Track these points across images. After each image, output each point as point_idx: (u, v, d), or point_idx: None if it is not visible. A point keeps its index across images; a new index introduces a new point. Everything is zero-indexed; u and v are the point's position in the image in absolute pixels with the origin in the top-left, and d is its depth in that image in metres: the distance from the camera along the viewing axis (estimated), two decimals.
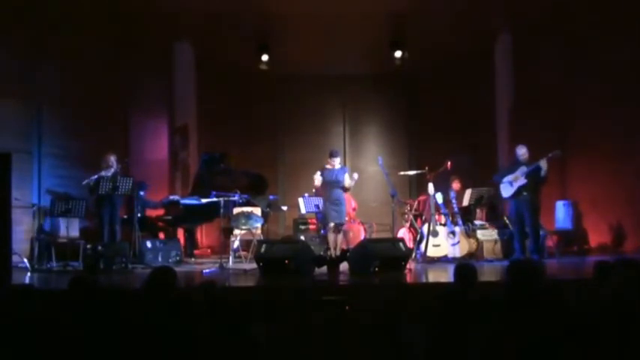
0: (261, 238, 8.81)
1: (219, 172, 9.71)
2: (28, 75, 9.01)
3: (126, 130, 10.85)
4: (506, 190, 8.44)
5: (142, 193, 9.49)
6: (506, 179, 8.41)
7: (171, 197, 9.88)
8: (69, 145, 9.66)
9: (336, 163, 8.40)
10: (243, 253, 8.80)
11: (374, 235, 9.99)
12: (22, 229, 8.50)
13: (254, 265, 7.63)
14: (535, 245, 8.24)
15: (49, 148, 9.33)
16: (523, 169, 8.26)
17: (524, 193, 8.28)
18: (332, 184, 8.29)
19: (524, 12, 10.16)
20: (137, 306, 3.54)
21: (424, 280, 7.31)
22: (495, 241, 8.97)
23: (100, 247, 8.05)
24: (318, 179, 8.64)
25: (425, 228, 8.75)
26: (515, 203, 8.43)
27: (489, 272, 7.46)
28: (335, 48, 11.16)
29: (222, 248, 8.72)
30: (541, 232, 8.80)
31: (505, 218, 9.22)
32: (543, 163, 8.13)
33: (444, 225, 8.85)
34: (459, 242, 8.77)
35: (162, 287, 3.61)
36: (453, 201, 9.07)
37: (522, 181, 8.25)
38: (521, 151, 8.42)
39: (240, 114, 12.28)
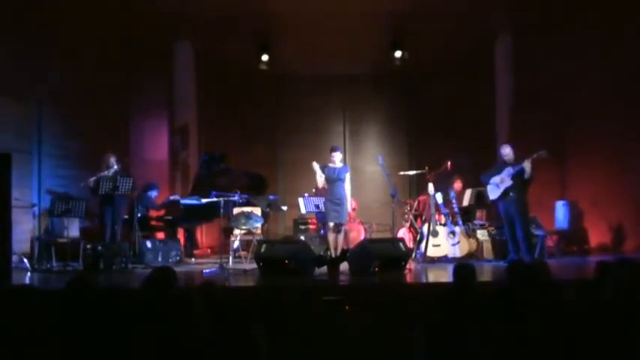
0: (261, 238, 8.80)
1: (219, 172, 9.71)
2: (28, 75, 9.00)
3: (126, 130, 10.86)
4: (493, 193, 8.21)
5: (153, 194, 9.56)
6: (492, 181, 8.19)
7: (172, 197, 9.89)
8: (69, 145, 9.67)
9: (337, 158, 8.27)
10: (243, 253, 8.80)
11: (374, 235, 9.98)
12: (23, 229, 8.49)
13: (254, 265, 7.63)
14: (526, 246, 8.02)
15: (49, 148, 9.32)
16: (509, 170, 8.02)
17: (511, 195, 8.04)
18: (334, 181, 8.20)
19: (524, 12, 10.16)
20: (137, 306, 3.54)
21: (424, 280, 7.30)
22: (494, 242, 8.96)
23: (99, 247, 8.05)
24: (318, 171, 8.34)
25: (425, 228, 8.75)
26: (503, 205, 8.17)
27: (489, 272, 7.46)
28: (335, 48, 11.17)
29: (222, 248, 8.71)
30: (541, 232, 8.79)
31: None
32: (527, 165, 7.88)
33: (444, 225, 8.85)
34: (459, 242, 8.77)
35: (163, 287, 3.61)
36: (453, 201, 9.06)
37: (508, 182, 8.01)
38: (505, 151, 8.20)
39: (240, 114, 12.29)
